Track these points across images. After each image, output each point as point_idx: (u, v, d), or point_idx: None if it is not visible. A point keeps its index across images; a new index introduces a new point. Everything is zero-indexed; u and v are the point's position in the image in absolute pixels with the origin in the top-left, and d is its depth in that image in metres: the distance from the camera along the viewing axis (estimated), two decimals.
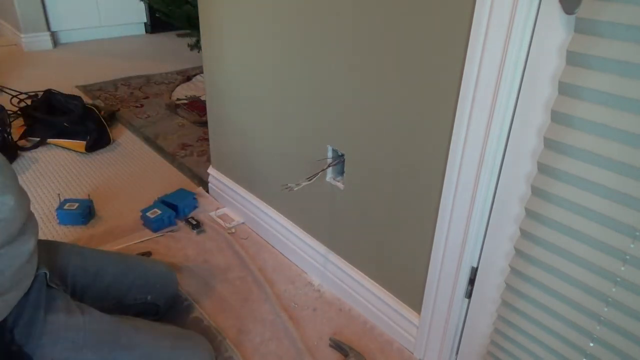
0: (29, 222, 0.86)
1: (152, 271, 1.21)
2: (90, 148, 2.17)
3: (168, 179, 2.01)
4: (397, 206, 1.15)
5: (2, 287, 0.77)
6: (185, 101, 2.58)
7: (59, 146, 2.18)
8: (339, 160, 1.25)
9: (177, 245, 1.59)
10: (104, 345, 0.87)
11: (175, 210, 1.71)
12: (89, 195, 1.84)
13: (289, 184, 1.16)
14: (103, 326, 0.90)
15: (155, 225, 1.64)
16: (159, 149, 2.23)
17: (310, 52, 1.20)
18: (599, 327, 0.82)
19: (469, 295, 1.07)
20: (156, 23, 3.88)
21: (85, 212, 1.68)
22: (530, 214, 0.86)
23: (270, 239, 1.63)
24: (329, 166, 1.26)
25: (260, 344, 1.25)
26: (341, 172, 1.27)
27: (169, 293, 1.24)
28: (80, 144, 2.16)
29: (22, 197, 0.85)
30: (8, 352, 0.77)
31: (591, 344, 0.84)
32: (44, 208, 1.77)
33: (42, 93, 2.46)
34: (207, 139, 1.90)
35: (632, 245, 0.74)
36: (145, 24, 3.94)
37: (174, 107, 2.59)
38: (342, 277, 1.39)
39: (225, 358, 1.19)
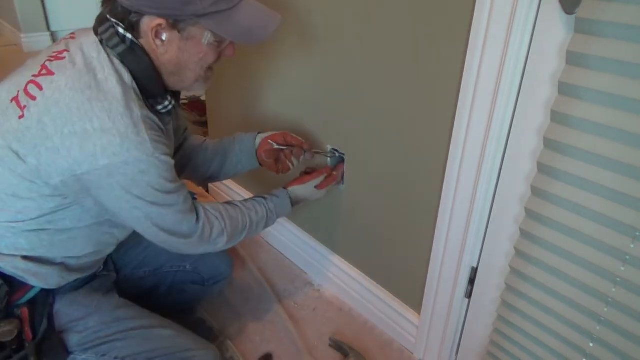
0: None
1: None
2: None
3: None
4: (397, 206, 1.15)
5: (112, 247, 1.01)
6: (185, 101, 2.58)
7: None
8: (339, 161, 1.25)
9: None
10: (112, 316, 0.95)
11: None
12: None
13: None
14: (119, 304, 1.00)
15: None
16: None
17: (310, 52, 1.20)
18: (599, 327, 0.82)
19: (469, 295, 1.07)
20: None
21: None
22: (530, 214, 0.86)
23: (270, 239, 1.63)
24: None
25: (260, 343, 1.25)
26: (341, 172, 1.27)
27: (214, 267, 1.25)
28: None
29: None
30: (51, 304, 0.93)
31: (591, 344, 0.84)
32: None
33: None
34: None
35: (632, 245, 0.74)
36: None
37: None
38: (342, 277, 1.39)
39: (227, 359, 1.19)
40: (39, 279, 0.88)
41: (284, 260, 1.57)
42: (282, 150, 1.17)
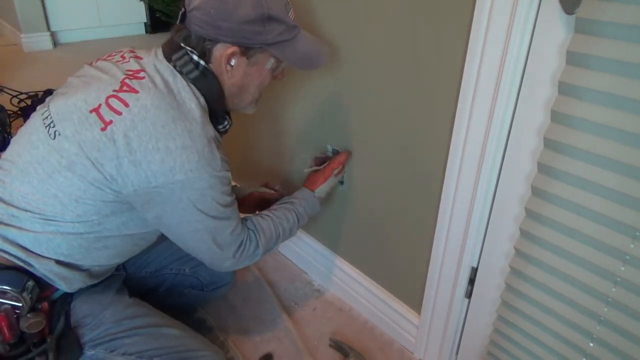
0: None
1: None
2: None
3: None
4: (397, 206, 1.15)
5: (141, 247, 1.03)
6: None
7: None
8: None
9: None
10: (122, 314, 0.97)
11: None
12: None
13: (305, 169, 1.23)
14: (129, 302, 1.02)
15: None
16: None
17: None
18: (599, 327, 0.82)
19: (469, 295, 1.07)
20: (156, 23, 3.87)
21: None
22: (530, 214, 0.86)
23: None
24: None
25: (260, 343, 1.25)
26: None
27: (214, 274, 1.26)
28: None
29: None
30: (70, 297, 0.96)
31: (591, 344, 0.84)
32: None
33: (42, 93, 2.45)
34: None
35: (632, 245, 0.74)
36: (145, 24, 3.93)
37: None
38: (342, 276, 1.40)
39: (228, 358, 1.20)
40: (66, 283, 0.91)
41: (284, 260, 1.57)
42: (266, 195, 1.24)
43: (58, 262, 0.88)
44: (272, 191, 1.24)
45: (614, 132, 0.71)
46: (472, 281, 1.04)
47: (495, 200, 0.93)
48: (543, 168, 0.81)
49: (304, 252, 1.50)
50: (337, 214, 1.33)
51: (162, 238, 1.04)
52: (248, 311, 1.35)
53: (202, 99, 0.89)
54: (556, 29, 0.73)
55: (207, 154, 0.85)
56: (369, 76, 1.08)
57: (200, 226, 0.91)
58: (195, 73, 0.89)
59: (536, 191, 0.83)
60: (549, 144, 0.79)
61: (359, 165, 1.21)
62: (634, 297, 0.76)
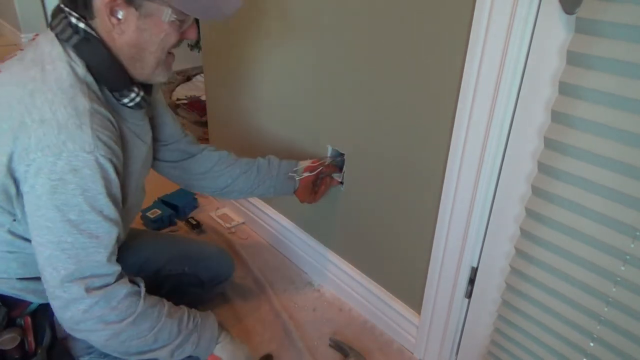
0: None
1: (194, 247, 1.25)
2: None
3: None
4: (397, 206, 1.15)
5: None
6: (185, 101, 2.58)
7: None
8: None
9: None
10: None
11: (175, 210, 1.71)
12: None
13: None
14: None
15: (155, 225, 1.64)
16: None
17: (310, 52, 1.20)
18: (599, 327, 0.82)
19: (469, 295, 1.07)
20: None
21: None
22: (530, 213, 0.86)
23: (270, 239, 1.63)
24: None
25: (260, 343, 1.25)
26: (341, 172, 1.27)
27: (214, 270, 1.25)
28: None
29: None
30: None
31: (591, 344, 0.84)
32: None
33: None
34: (207, 139, 1.90)
35: (632, 245, 0.74)
36: None
37: (174, 107, 2.59)
38: (342, 277, 1.39)
39: None
40: (37, 295, 0.86)
41: (284, 260, 1.57)
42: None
43: (20, 279, 0.84)
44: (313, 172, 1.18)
45: (614, 132, 0.71)
46: (472, 281, 1.04)
47: (495, 200, 0.93)
48: (543, 168, 0.81)
49: (304, 252, 1.50)
50: (337, 213, 1.33)
51: (149, 240, 1.00)
52: (248, 311, 1.35)
53: (80, 68, 0.77)
54: (556, 29, 0.73)
55: (72, 127, 0.71)
56: (369, 77, 1.08)
57: (50, 237, 0.73)
58: (76, 38, 0.77)
59: (536, 191, 0.83)
60: (549, 143, 0.79)
61: (359, 165, 1.21)
62: (634, 297, 0.76)
